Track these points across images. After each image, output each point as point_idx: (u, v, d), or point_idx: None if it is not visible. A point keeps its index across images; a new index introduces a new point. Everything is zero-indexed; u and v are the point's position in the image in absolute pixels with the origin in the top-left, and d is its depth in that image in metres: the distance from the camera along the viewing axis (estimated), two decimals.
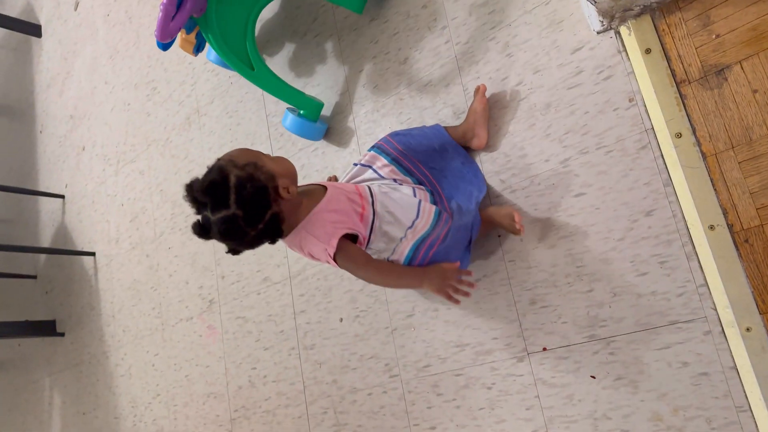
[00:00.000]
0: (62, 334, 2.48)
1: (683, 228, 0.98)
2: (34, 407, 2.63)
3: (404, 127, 1.37)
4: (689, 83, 0.99)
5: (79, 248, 2.42)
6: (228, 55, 1.43)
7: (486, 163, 1.22)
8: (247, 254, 1.71)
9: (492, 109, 1.22)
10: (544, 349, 1.11)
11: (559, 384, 1.08)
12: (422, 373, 1.28)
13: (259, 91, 1.74)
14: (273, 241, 1.04)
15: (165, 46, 1.41)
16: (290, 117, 1.53)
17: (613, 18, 1.05)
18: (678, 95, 1.00)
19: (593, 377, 1.05)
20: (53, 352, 2.54)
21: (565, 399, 1.07)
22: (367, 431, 1.38)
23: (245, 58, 1.46)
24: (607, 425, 1.02)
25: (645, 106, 1.03)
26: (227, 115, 1.86)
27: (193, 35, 1.61)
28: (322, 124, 1.54)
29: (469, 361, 1.21)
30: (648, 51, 1.03)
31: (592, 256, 1.06)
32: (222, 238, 0.98)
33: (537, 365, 1.11)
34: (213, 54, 1.72)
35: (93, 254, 2.35)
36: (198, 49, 1.66)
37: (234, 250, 1.04)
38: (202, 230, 0.99)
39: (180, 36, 1.62)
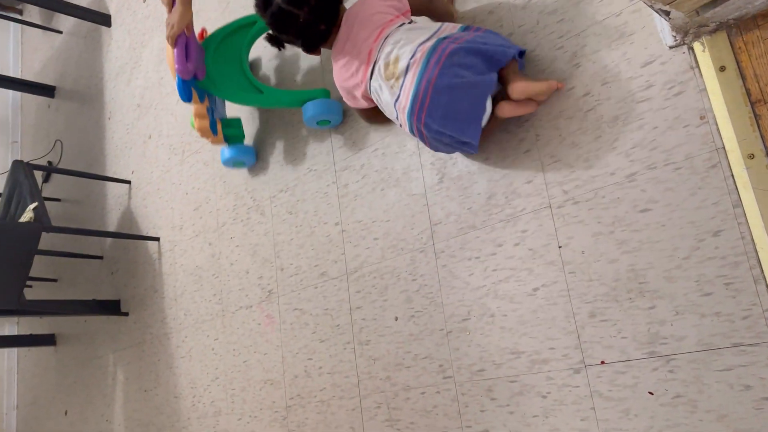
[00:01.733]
0: (126, 314, 2.61)
1: (751, 250, 0.97)
2: (99, 381, 2.78)
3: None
4: (765, 103, 0.98)
5: (144, 233, 2.53)
6: (238, 97, 1.71)
7: (549, 172, 1.23)
8: (306, 249, 1.76)
9: (557, 119, 1.22)
10: (602, 362, 1.12)
11: (615, 398, 1.09)
12: (476, 377, 1.31)
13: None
14: (314, 42, 1.43)
15: (185, 95, 1.61)
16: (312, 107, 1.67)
17: (687, 33, 1.04)
18: (752, 115, 0.99)
19: (651, 393, 1.05)
20: (117, 330, 2.67)
21: (621, 413, 1.08)
22: (419, 429, 1.42)
23: (250, 88, 1.70)
24: None
25: (716, 124, 1.02)
26: (290, 113, 1.90)
27: (204, 106, 1.74)
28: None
29: (525, 368, 1.23)
30: (722, 69, 1.01)
31: (656, 273, 1.06)
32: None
33: (594, 378, 1.12)
34: (227, 154, 1.88)
35: (157, 239, 2.46)
36: (214, 125, 1.81)
37: (276, 39, 1.42)
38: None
39: (196, 121, 1.76)
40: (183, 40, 1.58)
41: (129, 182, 2.74)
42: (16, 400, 3.61)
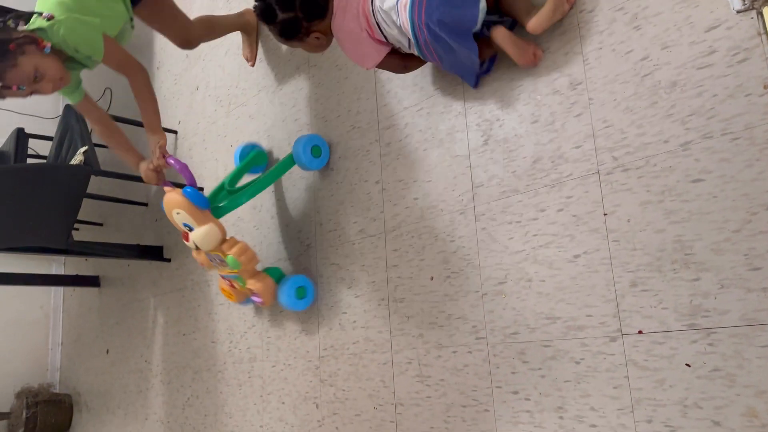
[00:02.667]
0: (168, 260, 2.68)
1: None
2: (139, 323, 2.88)
3: (513, 93, 1.36)
4: None
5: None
6: (247, 197, 1.89)
7: (600, 138, 1.20)
8: (346, 206, 1.78)
9: (613, 83, 1.19)
10: (640, 332, 1.11)
11: (651, 368, 1.08)
12: (509, 340, 1.32)
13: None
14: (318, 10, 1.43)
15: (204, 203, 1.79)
16: None
17: None
18: None
19: (688, 365, 1.04)
20: (159, 275, 2.76)
21: (656, 383, 1.07)
22: (448, 386, 1.44)
23: (249, 191, 1.88)
24: (696, 414, 1.02)
25: None
26: (336, 68, 1.90)
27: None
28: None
29: (560, 334, 1.23)
30: None
31: (703, 245, 1.04)
32: None
33: (630, 347, 1.12)
34: (283, 299, 1.83)
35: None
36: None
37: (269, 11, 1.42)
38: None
39: (221, 286, 2.00)
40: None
41: (176, 132, 2.79)
42: (61, 337, 3.78)
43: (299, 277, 1.83)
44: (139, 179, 2.81)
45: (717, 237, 1.03)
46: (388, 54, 1.46)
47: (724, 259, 1.01)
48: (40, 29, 1.50)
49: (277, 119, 2.13)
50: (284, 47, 2.13)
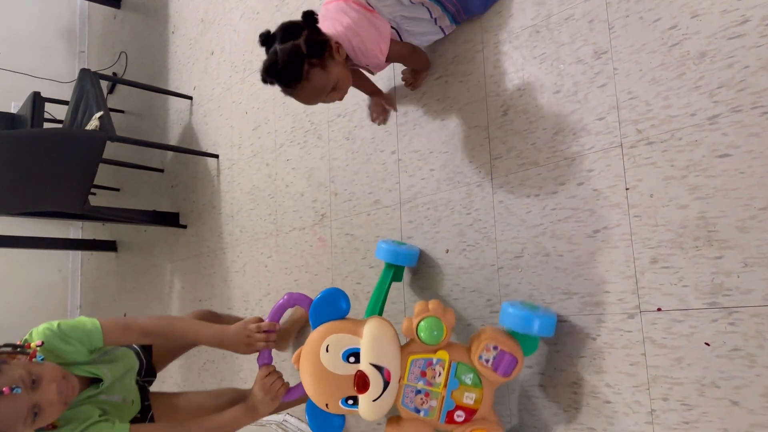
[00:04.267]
0: (185, 227, 2.70)
1: None
2: (156, 288, 2.92)
3: (535, 62, 1.32)
4: None
5: (204, 149, 2.58)
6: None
7: (624, 110, 1.17)
8: (361, 176, 1.76)
9: (639, 53, 1.15)
10: (659, 309, 1.09)
11: (669, 346, 1.07)
12: None
13: None
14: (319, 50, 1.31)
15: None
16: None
17: None
18: None
19: (707, 344, 1.02)
20: (175, 241, 2.77)
21: (674, 361, 1.06)
22: None
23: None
24: (714, 393, 1.01)
25: None
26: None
27: None
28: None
29: (576, 309, 1.21)
30: None
31: (728, 222, 1.01)
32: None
33: (648, 324, 1.10)
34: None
35: (216, 156, 2.50)
36: None
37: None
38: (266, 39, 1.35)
39: None
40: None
41: (191, 98, 2.77)
42: (80, 300, 3.85)
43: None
44: (153, 144, 2.83)
45: (742, 214, 1.00)
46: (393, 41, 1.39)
47: (749, 237, 0.99)
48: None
49: None
50: None
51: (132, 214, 2.71)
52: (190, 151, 2.59)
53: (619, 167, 1.17)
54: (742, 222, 1.00)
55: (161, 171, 2.95)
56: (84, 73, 2.52)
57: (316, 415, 1.18)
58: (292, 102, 2.08)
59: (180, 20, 2.98)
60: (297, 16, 1.35)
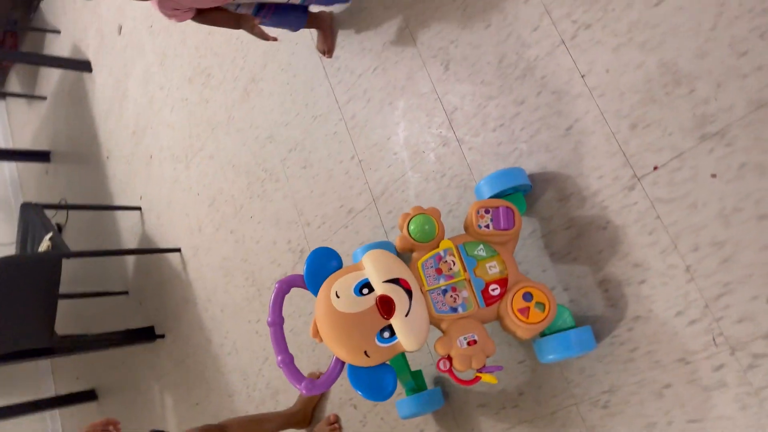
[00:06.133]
0: (162, 336, 2.55)
1: None
2: (148, 414, 2.70)
3: (457, 12, 1.38)
4: None
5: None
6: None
7: (554, 11, 1.21)
8: (328, 194, 1.74)
9: None
10: (655, 168, 1.07)
11: (678, 197, 1.05)
12: (529, 238, 1.26)
13: (307, 34, 1.79)
14: None
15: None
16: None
17: None
18: None
19: (713, 176, 1.01)
20: (156, 357, 2.61)
21: (688, 209, 1.03)
22: None
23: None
24: (739, 217, 0.98)
25: None
26: (282, 71, 1.90)
27: None
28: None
29: (577, 209, 1.18)
30: None
31: (686, 57, 1.03)
32: None
33: (650, 186, 1.08)
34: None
35: (178, 250, 2.43)
36: None
37: None
38: None
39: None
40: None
41: (139, 208, 2.72)
42: None
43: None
44: (111, 252, 2.69)
45: (696, 42, 1.02)
46: (219, 10, 1.48)
47: (711, 58, 1.01)
48: None
49: (237, 146, 2.10)
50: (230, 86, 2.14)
51: (104, 337, 2.56)
52: (150, 250, 2.51)
53: (568, 61, 1.19)
54: (699, 48, 1.02)
55: (125, 293, 2.83)
56: (25, 207, 2.46)
57: (362, 379, 1.05)
58: (241, 160, 2.08)
59: (113, 144, 3.00)
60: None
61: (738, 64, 0.98)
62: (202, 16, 1.49)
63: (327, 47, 1.72)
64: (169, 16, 1.45)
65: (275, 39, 1.51)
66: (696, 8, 1.02)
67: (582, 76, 1.17)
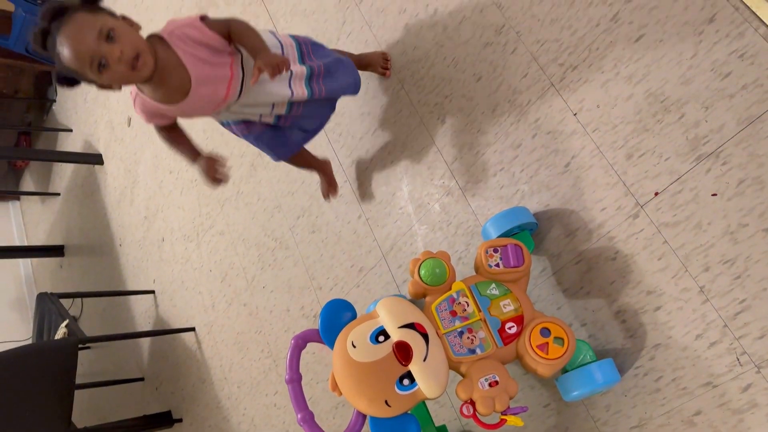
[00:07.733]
0: (180, 420, 2.50)
1: (749, 15, 0.99)
2: None
3: (450, 69, 1.44)
4: None
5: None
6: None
7: (540, 57, 1.27)
8: (338, 256, 1.75)
9: (530, 8, 1.29)
10: (656, 193, 1.09)
11: (682, 219, 1.06)
12: (541, 276, 1.26)
13: None
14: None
15: None
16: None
17: None
18: None
19: (714, 195, 1.02)
20: None
21: (694, 230, 1.04)
22: None
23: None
24: (745, 232, 0.98)
25: None
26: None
27: None
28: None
29: (583, 243, 1.19)
30: None
31: (673, 84, 1.07)
32: None
33: (654, 212, 1.09)
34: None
35: (193, 329, 2.42)
36: None
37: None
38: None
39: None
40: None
41: (153, 292, 2.74)
42: None
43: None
44: (126, 335, 2.67)
45: (680, 70, 1.06)
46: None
47: (696, 83, 1.04)
48: None
49: (247, 220, 2.14)
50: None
51: (122, 425, 2.51)
52: (165, 332, 2.50)
53: (559, 102, 1.24)
54: (683, 76, 1.06)
55: (141, 380, 2.80)
56: (41, 297, 2.48)
57: (385, 430, 1.03)
58: (251, 233, 2.11)
59: (125, 231, 3.06)
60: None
61: (723, 86, 1.01)
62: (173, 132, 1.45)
63: (333, 190, 1.72)
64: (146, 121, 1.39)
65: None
66: (675, 40, 1.07)
67: (574, 114, 1.21)
